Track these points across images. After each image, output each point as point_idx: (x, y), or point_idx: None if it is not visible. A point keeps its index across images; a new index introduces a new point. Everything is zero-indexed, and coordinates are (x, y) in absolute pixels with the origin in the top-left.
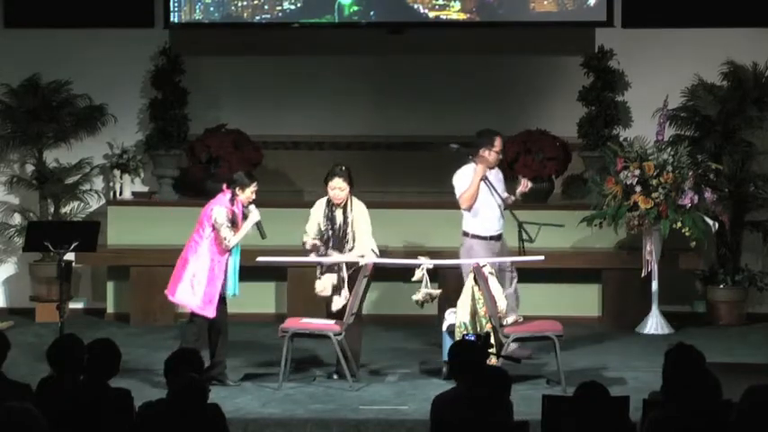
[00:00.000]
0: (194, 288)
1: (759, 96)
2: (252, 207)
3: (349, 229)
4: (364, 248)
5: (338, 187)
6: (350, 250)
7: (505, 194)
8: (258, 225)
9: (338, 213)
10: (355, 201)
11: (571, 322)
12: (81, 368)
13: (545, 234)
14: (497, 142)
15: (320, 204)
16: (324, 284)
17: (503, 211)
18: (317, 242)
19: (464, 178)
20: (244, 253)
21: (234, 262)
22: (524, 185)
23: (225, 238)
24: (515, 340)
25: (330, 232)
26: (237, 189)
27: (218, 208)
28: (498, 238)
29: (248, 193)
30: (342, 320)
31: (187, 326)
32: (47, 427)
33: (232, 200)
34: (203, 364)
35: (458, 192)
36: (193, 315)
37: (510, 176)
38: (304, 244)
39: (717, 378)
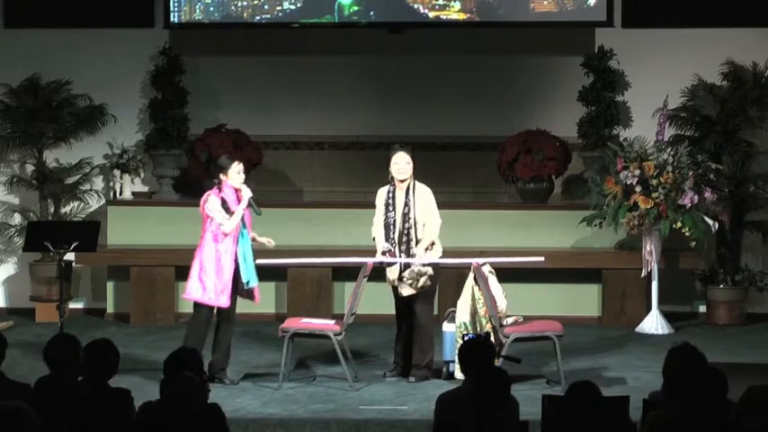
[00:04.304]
0: (203, 281)
1: (759, 96)
2: (244, 186)
3: (411, 214)
4: (429, 237)
5: (403, 161)
6: (416, 238)
7: None
8: (251, 202)
9: (399, 197)
10: (418, 184)
11: (571, 322)
12: (78, 368)
13: (545, 234)
14: None
15: (381, 192)
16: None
17: None
18: (389, 246)
19: None
20: None
21: (243, 250)
22: None
23: (221, 224)
24: (516, 340)
25: (392, 220)
26: (221, 175)
27: (208, 197)
28: None
29: (232, 174)
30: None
31: (191, 322)
32: (40, 427)
33: (219, 186)
34: (202, 365)
35: None
36: (197, 309)
37: (511, 177)
38: (374, 239)
39: (724, 377)
